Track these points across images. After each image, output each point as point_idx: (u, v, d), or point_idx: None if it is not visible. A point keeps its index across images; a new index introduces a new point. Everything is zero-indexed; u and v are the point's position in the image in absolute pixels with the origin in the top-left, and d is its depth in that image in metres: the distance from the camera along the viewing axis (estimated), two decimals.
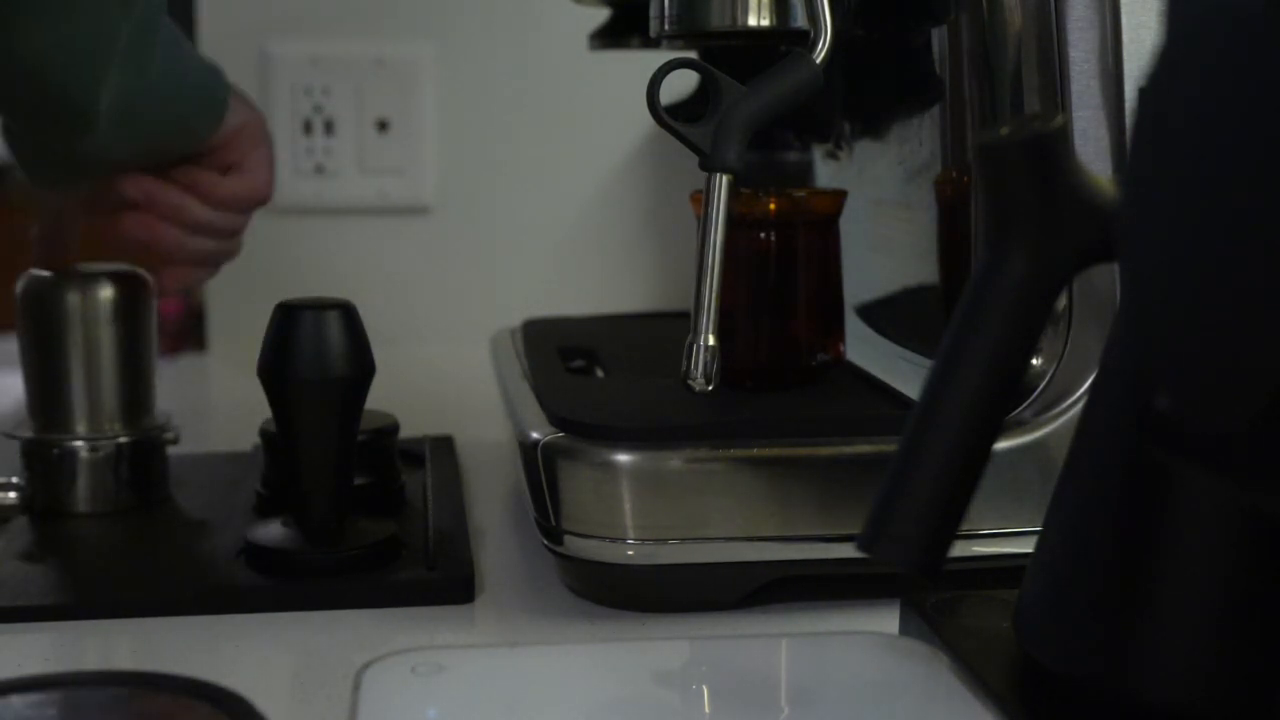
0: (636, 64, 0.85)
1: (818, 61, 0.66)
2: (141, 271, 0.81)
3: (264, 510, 0.77)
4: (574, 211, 1.37)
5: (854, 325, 0.81)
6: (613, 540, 0.64)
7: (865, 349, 0.80)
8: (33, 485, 0.80)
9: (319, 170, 1.33)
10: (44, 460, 0.80)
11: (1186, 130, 0.38)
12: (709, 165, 0.64)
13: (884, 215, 0.83)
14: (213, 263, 0.86)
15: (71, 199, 0.82)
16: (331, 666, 0.60)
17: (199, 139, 0.81)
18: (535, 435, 0.67)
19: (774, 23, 0.70)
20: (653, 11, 0.74)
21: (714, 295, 0.63)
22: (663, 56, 0.67)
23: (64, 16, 0.69)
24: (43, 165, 0.79)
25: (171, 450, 0.85)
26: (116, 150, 0.77)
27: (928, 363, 0.50)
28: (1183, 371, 0.39)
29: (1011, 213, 0.48)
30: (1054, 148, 0.47)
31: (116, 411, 0.80)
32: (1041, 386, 0.66)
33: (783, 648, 0.56)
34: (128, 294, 0.80)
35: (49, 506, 0.79)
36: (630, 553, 0.63)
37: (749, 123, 0.64)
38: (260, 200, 0.86)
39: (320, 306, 0.68)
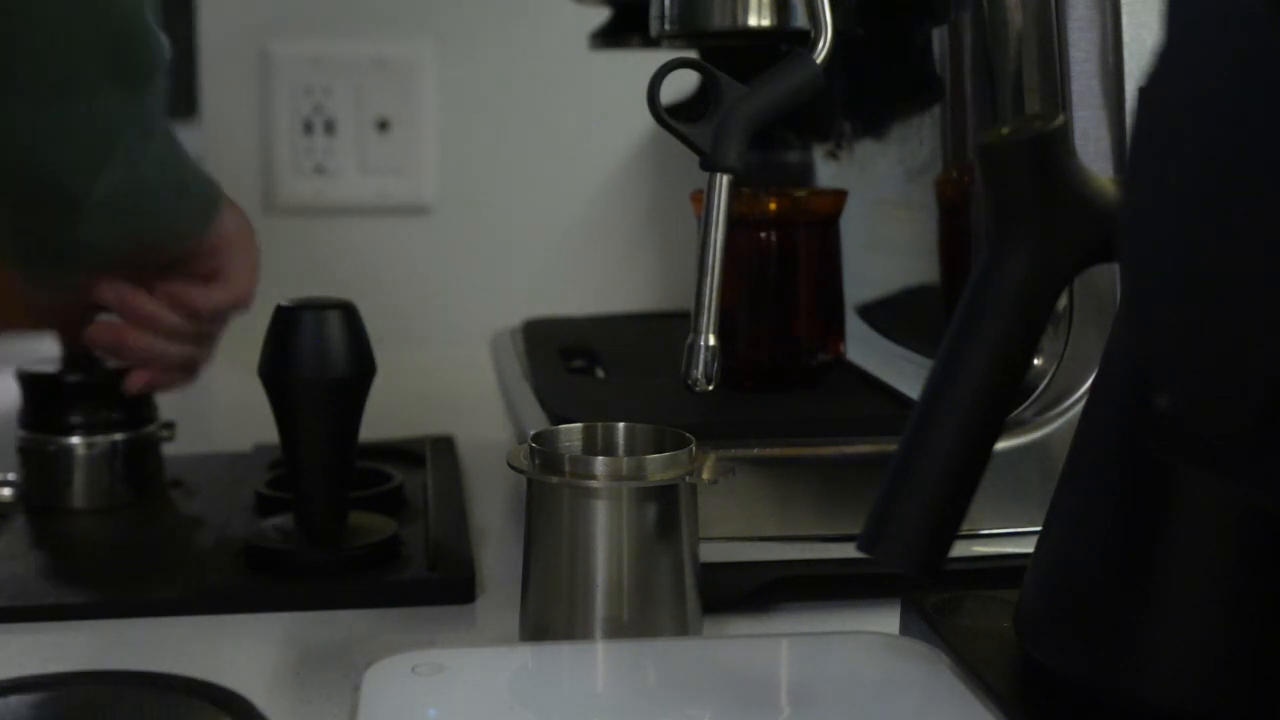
0: (636, 64, 0.85)
1: (818, 61, 0.66)
2: None
3: (264, 510, 0.77)
4: (574, 211, 1.37)
5: (854, 325, 0.81)
6: None
7: (865, 349, 0.80)
8: (29, 482, 0.80)
9: (319, 170, 1.33)
10: (40, 456, 0.80)
11: (1186, 130, 0.38)
12: (709, 165, 0.64)
13: (884, 215, 0.83)
14: (187, 368, 0.84)
15: (60, 293, 0.80)
16: (331, 666, 0.60)
17: (187, 240, 0.79)
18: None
19: (774, 23, 0.70)
20: (653, 11, 0.74)
21: (714, 295, 0.63)
22: (663, 56, 0.67)
23: (60, 103, 0.69)
24: (30, 256, 0.77)
25: (171, 450, 0.85)
26: (105, 243, 0.76)
27: (928, 363, 0.50)
28: (1183, 371, 0.39)
29: (1012, 212, 0.48)
30: (1054, 148, 0.47)
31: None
32: (1042, 386, 0.66)
33: (783, 648, 0.56)
34: None
35: (45, 503, 0.79)
36: None
37: (749, 123, 0.64)
38: (241, 308, 0.83)
39: (320, 306, 0.68)
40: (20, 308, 0.82)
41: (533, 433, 0.60)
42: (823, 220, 0.76)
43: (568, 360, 0.88)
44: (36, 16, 0.68)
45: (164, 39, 0.73)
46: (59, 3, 0.68)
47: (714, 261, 0.64)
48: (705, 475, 0.57)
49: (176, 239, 0.79)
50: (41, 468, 0.80)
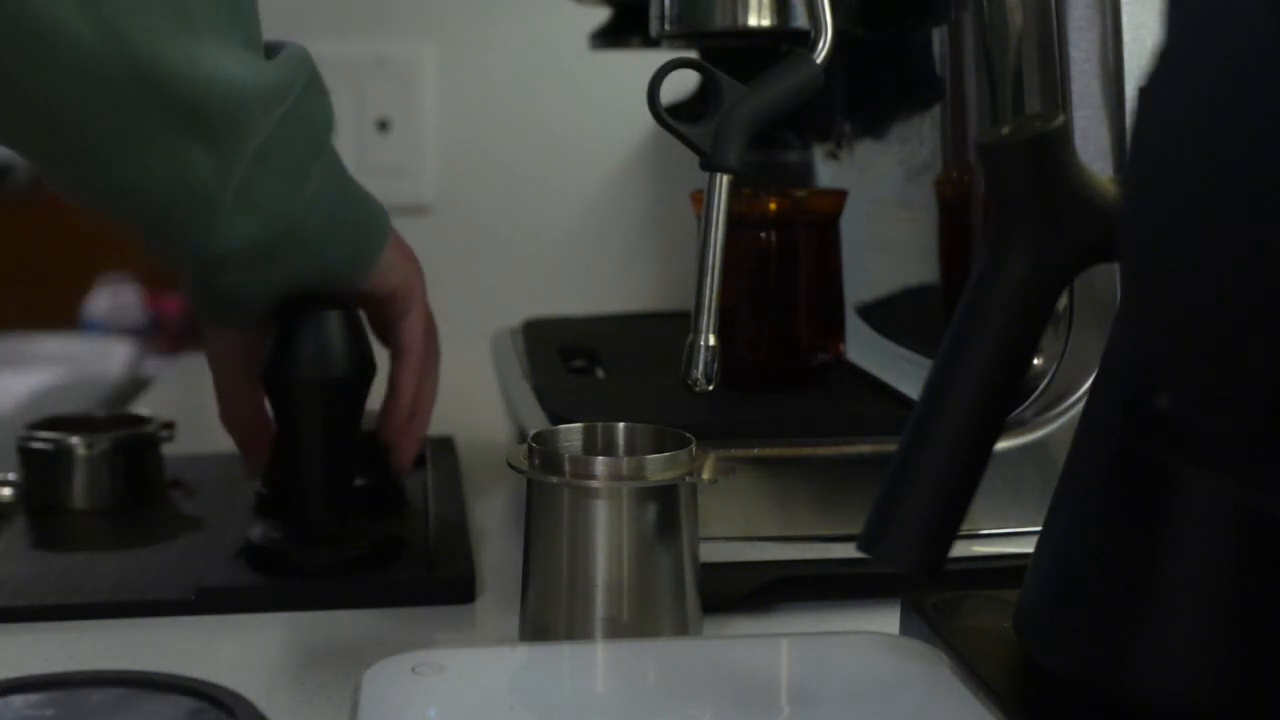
0: (636, 64, 0.85)
1: (818, 61, 0.66)
2: None
3: (264, 510, 0.77)
4: (574, 211, 1.37)
5: (854, 325, 0.81)
6: None
7: (865, 349, 0.80)
8: (29, 482, 0.80)
9: None
10: (40, 456, 0.80)
11: (1186, 130, 0.38)
12: (709, 165, 0.64)
13: (884, 215, 0.83)
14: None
15: (233, 338, 0.71)
16: (331, 666, 0.60)
17: (348, 285, 0.69)
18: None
19: (774, 23, 0.70)
20: (653, 11, 0.74)
21: (714, 295, 0.63)
22: (663, 56, 0.67)
23: (148, 154, 0.60)
24: (196, 297, 0.69)
25: (171, 450, 0.85)
26: (251, 292, 0.67)
27: (928, 363, 0.50)
28: (1183, 371, 0.39)
29: (1012, 212, 0.48)
30: (1054, 148, 0.47)
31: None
32: (1042, 386, 0.66)
33: (783, 648, 0.56)
34: None
35: (45, 503, 0.79)
36: None
37: (749, 123, 0.64)
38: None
39: (320, 306, 0.68)
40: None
41: (533, 433, 0.60)
42: (823, 220, 0.76)
43: (568, 360, 0.88)
44: None
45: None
46: None
47: (714, 261, 0.64)
48: (705, 475, 0.57)
49: (338, 281, 0.70)
50: (41, 468, 0.80)
